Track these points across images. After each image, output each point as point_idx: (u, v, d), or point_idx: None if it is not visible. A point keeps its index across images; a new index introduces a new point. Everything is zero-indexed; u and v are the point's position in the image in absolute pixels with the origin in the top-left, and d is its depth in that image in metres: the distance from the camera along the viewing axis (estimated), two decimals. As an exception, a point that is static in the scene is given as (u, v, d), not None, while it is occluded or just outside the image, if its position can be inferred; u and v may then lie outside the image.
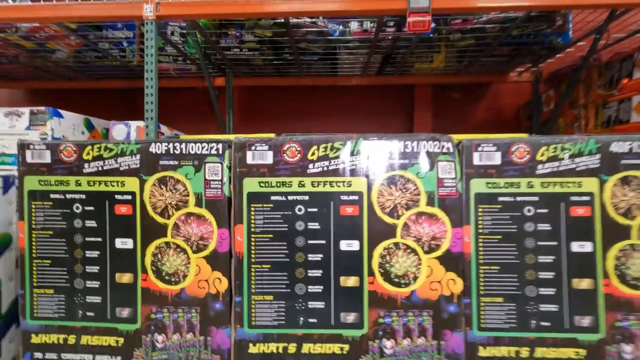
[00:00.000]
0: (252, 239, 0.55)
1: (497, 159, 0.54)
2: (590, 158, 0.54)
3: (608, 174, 0.54)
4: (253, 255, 0.55)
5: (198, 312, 0.55)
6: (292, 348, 0.55)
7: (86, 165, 0.56)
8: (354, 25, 1.32)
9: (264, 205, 0.55)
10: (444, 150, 0.54)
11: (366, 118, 2.00)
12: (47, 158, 0.57)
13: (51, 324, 0.57)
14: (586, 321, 0.53)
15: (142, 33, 1.54)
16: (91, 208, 0.56)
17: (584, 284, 0.53)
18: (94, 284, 0.56)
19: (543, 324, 0.54)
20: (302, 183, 0.55)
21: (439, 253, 0.54)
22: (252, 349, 0.55)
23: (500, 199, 0.54)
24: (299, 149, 0.55)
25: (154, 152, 0.55)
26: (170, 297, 0.56)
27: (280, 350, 0.55)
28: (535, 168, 0.54)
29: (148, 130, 1.06)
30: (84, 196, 0.56)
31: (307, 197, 0.55)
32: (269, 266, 0.55)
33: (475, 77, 1.84)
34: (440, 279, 0.54)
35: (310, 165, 0.55)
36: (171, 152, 0.55)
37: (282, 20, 1.18)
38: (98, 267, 0.56)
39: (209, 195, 0.55)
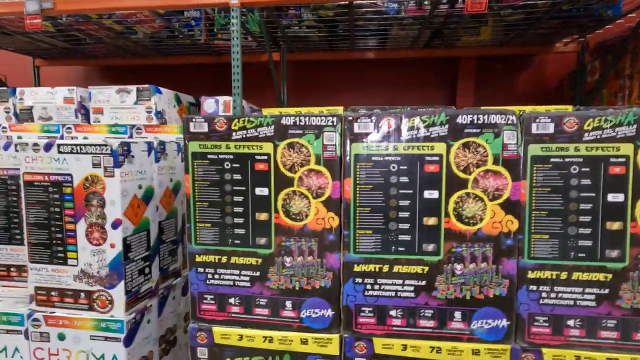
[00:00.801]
0: (357, 189, 0.74)
1: (551, 128, 0.69)
2: (628, 127, 0.67)
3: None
4: (357, 201, 0.74)
5: (316, 242, 0.76)
6: (385, 268, 0.75)
7: (234, 133, 0.76)
8: (409, 3, 1.42)
9: (367, 163, 0.73)
10: (509, 122, 0.69)
11: (411, 90, 2.11)
12: (204, 128, 0.77)
13: (209, 248, 0.79)
14: (614, 254, 0.70)
15: (208, 14, 1.71)
16: (237, 165, 0.77)
17: (615, 225, 0.69)
18: (240, 220, 0.78)
19: (580, 255, 0.70)
20: (396, 147, 0.72)
21: (500, 200, 0.71)
22: (356, 268, 0.75)
23: (552, 160, 0.70)
24: (393, 121, 0.72)
25: (284, 124, 0.74)
26: (295, 231, 0.76)
27: (377, 270, 0.75)
28: (582, 135, 0.69)
29: (235, 104, 1.25)
30: (232, 156, 0.77)
31: (399, 158, 0.73)
32: (369, 209, 0.74)
33: (521, 49, 1.90)
34: (501, 220, 0.71)
35: (404, 133, 0.72)
36: (297, 123, 0.74)
37: (347, 1, 1.30)
38: (242, 209, 0.77)
39: (326, 156, 0.74)
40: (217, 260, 0.80)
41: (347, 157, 0.74)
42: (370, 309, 0.76)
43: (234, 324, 0.81)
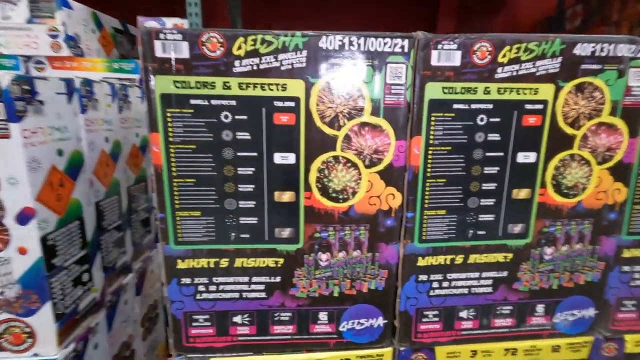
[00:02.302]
0: (429, 152, 0.50)
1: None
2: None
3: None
4: (429, 170, 0.51)
5: (367, 230, 0.52)
6: (459, 259, 0.55)
7: (237, 62, 0.45)
8: None
9: (446, 114, 0.49)
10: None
11: (387, 26, 1.85)
12: (184, 52, 0.44)
13: (199, 248, 0.51)
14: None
15: None
16: (243, 117, 0.47)
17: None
18: (249, 203, 0.50)
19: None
20: (488, 89, 0.49)
21: (611, 164, 0.54)
22: (421, 262, 0.54)
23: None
24: (490, 48, 0.48)
25: (323, 48, 0.45)
26: (336, 216, 0.51)
27: (448, 262, 0.55)
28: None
29: (192, 21, 0.88)
30: (234, 102, 0.46)
31: (490, 106, 0.50)
32: (444, 180, 0.52)
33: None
34: (607, 189, 0.55)
35: (501, 69, 0.49)
36: (347, 47, 0.46)
37: None
38: (253, 186, 0.49)
39: (388, 102, 0.48)
40: (213, 265, 0.52)
41: (417, 105, 0.49)
42: (436, 312, 0.57)
43: (242, 349, 0.56)
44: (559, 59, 0.49)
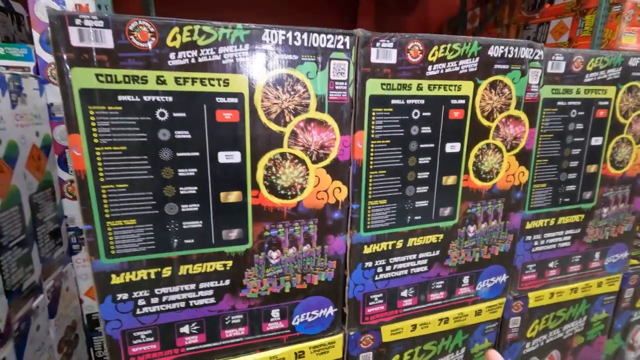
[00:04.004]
0: (372, 146, 0.53)
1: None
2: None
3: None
4: (372, 162, 0.53)
5: (315, 224, 0.53)
6: (399, 244, 0.59)
7: (172, 55, 0.41)
8: None
9: (385, 109, 0.52)
10: (536, 57, 0.59)
11: (308, 24, 1.85)
12: (107, 41, 0.39)
13: (135, 259, 0.46)
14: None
15: None
16: (182, 114, 0.43)
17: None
18: (192, 206, 0.47)
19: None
20: (420, 86, 0.53)
21: (516, 151, 0.63)
22: (366, 250, 0.57)
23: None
24: (421, 48, 0.51)
25: (267, 42, 0.44)
26: (285, 213, 0.51)
27: (390, 247, 0.59)
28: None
29: (100, 3, 0.78)
30: (170, 98, 0.42)
31: (422, 101, 0.54)
32: (384, 172, 0.55)
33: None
34: (514, 172, 0.64)
35: (431, 67, 0.53)
36: (290, 42, 0.45)
37: None
38: (196, 188, 0.46)
39: (332, 98, 0.49)
40: (154, 276, 0.48)
41: (359, 100, 0.50)
42: (380, 295, 0.60)
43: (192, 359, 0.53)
44: (477, 59, 0.55)
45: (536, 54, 0.59)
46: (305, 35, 0.45)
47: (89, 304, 0.96)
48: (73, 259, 0.92)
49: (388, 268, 0.59)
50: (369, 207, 0.55)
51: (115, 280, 0.46)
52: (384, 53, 0.50)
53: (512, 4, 1.70)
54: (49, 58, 0.81)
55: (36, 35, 0.79)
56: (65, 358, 0.85)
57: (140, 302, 0.48)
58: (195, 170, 0.46)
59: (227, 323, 0.53)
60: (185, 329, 0.51)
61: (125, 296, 0.47)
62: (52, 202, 0.83)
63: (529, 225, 0.69)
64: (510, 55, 0.57)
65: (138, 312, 0.48)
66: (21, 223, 0.68)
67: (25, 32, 1.09)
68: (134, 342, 0.49)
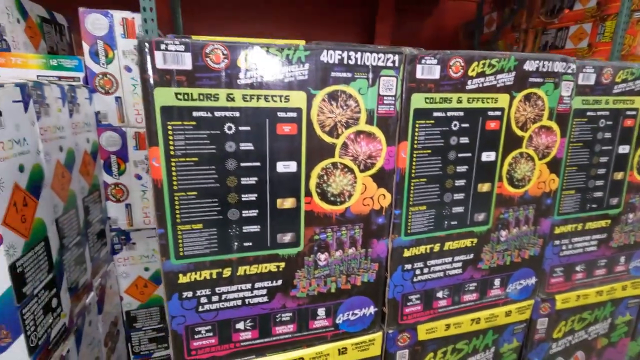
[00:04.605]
0: (414, 155, 0.56)
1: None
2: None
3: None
4: (414, 171, 0.57)
5: (361, 228, 0.57)
6: (436, 247, 0.62)
7: (241, 74, 0.45)
8: None
9: (427, 121, 0.56)
10: (569, 71, 0.62)
11: (326, 26, 1.89)
12: (186, 63, 0.43)
13: (201, 260, 0.50)
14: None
15: None
16: (247, 128, 0.47)
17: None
18: (251, 212, 0.51)
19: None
20: (460, 99, 0.56)
21: (548, 159, 0.66)
22: (406, 253, 0.61)
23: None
24: (463, 63, 0.55)
25: (325, 61, 0.48)
26: (334, 218, 0.55)
27: (428, 251, 0.62)
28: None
29: (147, 27, 0.83)
30: (237, 114, 0.46)
31: (462, 114, 0.57)
32: (425, 180, 0.58)
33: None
34: (545, 179, 0.67)
35: (470, 81, 0.56)
36: (345, 62, 0.49)
37: None
38: (256, 195, 0.50)
39: (381, 112, 0.52)
40: (215, 276, 0.52)
41: (404, 113, 0.54)
42: (418, 295, 0.64)
43: (245, 354, 0.57)
44: (513, 73, 0.58)
45: (569, 67, 0.62)
46: (358, 55, 0.49)
47: (128, 301, 1.02)
48: (114, 258, 0.97)
49: (425, 270, 0.63)
50: (410, 213, 0.59)
51: (182, 279, 0.50)
52: (428, 69, 0.53)
53: (530, 9, 1.72)
54: (97, 68, 0.86)
55: (86, 47, 0.84)
56: (110, 352, 0.90)
57: (203, 299, 0.52)
58: (256, 178, 0.50)
59: (277, 320, 0.57)
60: (240, 325, 0.55)
61: (190, 294, 0.51)
62: (98, 204, 0.88)
63: (557, 230, 0.72)
64: (544, 69, 0.60)
65: (200, 309, 0.52)
66: (77, 225, 0.73)
67: (66, 42, 1.14)
68: (196, 336, 0.53)
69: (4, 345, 0.50)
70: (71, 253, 0.70)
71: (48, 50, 1.03)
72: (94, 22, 0.84)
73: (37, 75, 0.82)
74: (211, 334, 0.54)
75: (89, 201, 0.82)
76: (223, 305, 0.53)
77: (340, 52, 0.48)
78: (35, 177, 0.55)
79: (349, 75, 0.49)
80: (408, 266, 0.61)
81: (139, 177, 0.94)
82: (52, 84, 0.66)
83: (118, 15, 0.85)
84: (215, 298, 0.53)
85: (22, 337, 0.51)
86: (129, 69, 0.88)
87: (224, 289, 0.53)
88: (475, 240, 0.65)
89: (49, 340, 0.57)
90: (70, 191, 0.71)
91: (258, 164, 0.49)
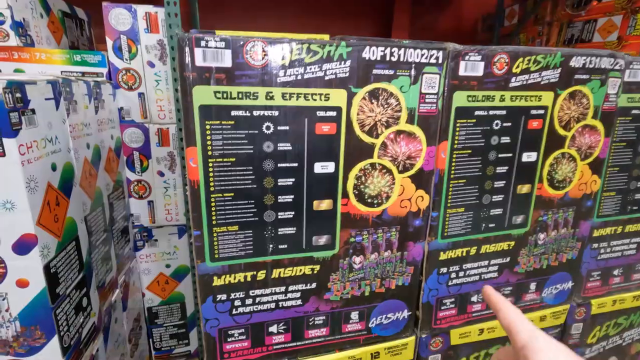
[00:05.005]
0: (454, 156, 0.54)
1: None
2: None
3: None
4: (453, 172, 0.55)
5: (397, 231, 0.55)
6: (473, 250, 0.60)
7: (281, 72, 0.43)
8: None
9: (468, 120, 0.53)
10: (616, 67, 0.59)
11: (340, 21, 1.86)
12: (226, 60, 0.41)
13: (236, 263, 0.49)
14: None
15: None
16: (285, 127, 0.46)
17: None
18: (287, 214, 0.49)
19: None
20: (503, 97, 0.54)
21: (590, 160, 0.63)
22: (442, 256, 0.59)
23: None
24: (507, 60, 0.52)
25: (367, 58, 0.46)
26: (371, 220, 0.53)
27: (464, 254, 0.60)
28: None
29: (170, 21, 0.82)
30: (276, 113, 0.45)
31: (504, 112, 0.55)
32: (464, 181, 0.56)
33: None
34: (587, 181, 0.64)
35: (514, 79, 0.53)
36: (387, 58, 0.46)
37: None
38: (293, 195, 0.49)
39: (422, 111, 0.50)
40: (250, 279, 0.51)
41: (445, 112, 0.52)
42: (452, 299, 0.62)
43: (277, 357, 0.56)
44: (559, 70, 0.55)
45: (617, 63, 0.58)
46: (401, 51, 0.47)
47: (149, 297, 1.02)
48: (136, 255, 0.97)
49: (461, 274, 0.61)
50: (447, 215, 0.57)
51: (217, 282, 0.49)
52: (471, 66, 0.51)
53: (555, 1, 1.66)
54: (120, 64, 0.85)
55: (109, 42, 0.83)
56: (134, 348, 0.90)
57: (237, 302, 0.51)
58: (293, 179, 0.48)
59: (310, 324, 0.56)
60: (273, 329, 0.54)
61: (224, 297, 0.50)
62: (122, 201, 0.87)
63: (596, 233, 0.70)
64: (591, 66, 0.57)
65: (234, 312, 0.51)
66: (104, 222, 0.73)
67: (87, 37, 1.14)
68: (229, 339, 0.52)
69: (38, 346, 0.50)
70: (98, 251, 0.69)
71: (69, 46, 1.02)
72: (117, 16, 0.82)
73: (61, 71, 0.81)
74: (244, 337, 0.53)
75: (113, 198, 0.81)
76: (257, 308, 0.52)
77: (382, 48, 0.46)
78: (66, 176, 0.54)
79: (391, 72, 0.47)
80: (444, 269, 0.59)
81: (161, 174, 0.93)
82: (79, 80, 0.65)
83: (141, 9, 0.83)
84: (249, 301, 0.52)
85: (55, 338, 0.50)
86: (151, 65, 0.87)
87: (258, 291, 0.52)
88: (512, 243, 0.63)
89: (80, 339, 0.57)
90: (97, 188, 0.70)
91: (295, 164, 0.47)
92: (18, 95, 0.43)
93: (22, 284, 0.47)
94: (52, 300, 0.49)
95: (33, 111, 0.46)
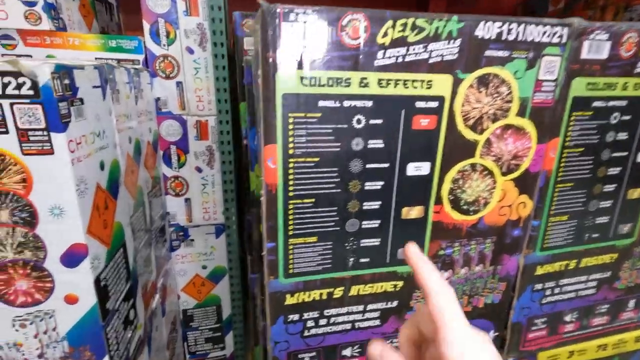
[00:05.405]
0: (564, 155, 0.46)
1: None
2: None
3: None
4: (560, 173, 0.47)
5: (492, 242, 0.47)
6: (572, 264, 0.52)
7: (380, 53, 0.35)
8: None
9: (584, 113, 0.45)
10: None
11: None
12: (324, 40, 0.33)
13: (313, 279, 0.42)
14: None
15: None
16: (378, 121, 0.38)
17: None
18: (372, 223, 0.42)
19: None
20: (626, 85, 0.45)
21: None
22: (539, 271, 0.51)
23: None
24: (636, 39, 0.43)
25: (479, 37, 0.37)
26: (464, 230, 0.45)
27: (563, 268, 0.52)
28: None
29: (212, 1, 0.74)
30: (370, 103, 0.37)
31: (624, 103, 0.46)
32: (571, 184, 0.48)
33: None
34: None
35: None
36: (503, 37, 0.38)
37: None
38: (380, 202, 0.41)
39: (537, 101, 0.42)
40: (325, 297, 0.44)
41: (561, 103, 0.43)
42: (544, 319, 0.54)
43: (349, 384, 0.49)
44: (693, 52, 0.46)
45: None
46: (520, 28, 0.38)
47: (184, 300, 0.96)
48: (172, 255, 0.91)
49: (557, 290, 0.53)
50: (549, 224, 0.48)
51: (289, 300, 0.42)
52: (596, 47, 0.42)
53: (611, -18, 1.52)
54: (157, 50, 0.78)
55: (146, 27, 0.77)
56: (171, 354, 0.85)
57: (309, 323, 0.44)
58: (382, 183, 0.40)
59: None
60: (347, 352, 0.47)
61: (296, 317, 0.43)
62: (159, 199, 0.81)
63: None
64: None
65: (306, 333, 0.45)
66: (144, 223, 0.67)
67: (115, 23, 1.07)
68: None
69: (88, 367, 0.44)
70: (140, 255, 0.63)
71: (100, 31, 0.96)
72: (155, -2, 0.75)
73: (95, 58, 0.75)
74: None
75: (152, 196, 0.75)
76: (331, 329, 0.45)
77: (500, 24, 0.37)
78: (113, 175, 0.48)
79: (506, 54, 0.39)
80: (538, 286, 0.51)
81: (199, 170, 0.86)
82: (121, 66, 0.58)
83: (181, -11, 0.76)
84: (323, 321, 0.45)
85: (106, 359, 0.44)
86: (190, 51, 0.80)
87: (333, 311, 0.45)
88: (615, 255, 0.54)
89: (128, 356, 0.51)
90: (138, 187, 0.64)
91: (386, 165, 0.40)
92: (66, 81, 0.37)
93: (71, 300, 0.41)
94: (102, 317, 0.43)
95: (81, 101, 0.40)
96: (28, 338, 0.40)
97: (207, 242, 0.93)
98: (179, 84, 0.81)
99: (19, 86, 0.33)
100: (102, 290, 0.43)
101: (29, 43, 0.72)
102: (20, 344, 0.40)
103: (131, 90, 0.63)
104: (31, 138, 0.34)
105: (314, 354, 0.46)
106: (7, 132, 0.34)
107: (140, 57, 0.78)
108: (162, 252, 0.82)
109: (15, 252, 0.37)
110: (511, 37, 0.38)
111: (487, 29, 0.37)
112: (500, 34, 0.38)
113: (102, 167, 0.44)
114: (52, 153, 0.35)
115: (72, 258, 0.39)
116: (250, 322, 1.01)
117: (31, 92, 0.33)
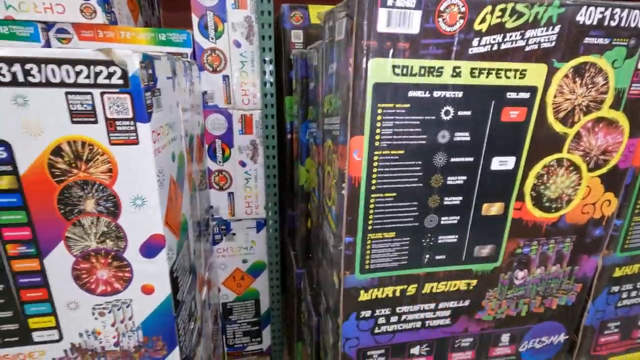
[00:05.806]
0: (654, 150, 0.43)
1: None
2: None
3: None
4: (649, 170, 0.44)
5: (571, 242, 0.45)
6: (652, 266, 0.49)
7: (475, 41, 0.34)
8: None
9: (680, 105, 0.42)
10: None
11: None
12: (413, 25, 0.32)
13: (387, 275, 0.41)
14: None
15: None
16: (467, 113, 0.36)
17: None
18: (452, 218, 0.40)
19: None
20: None
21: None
22: (617, 273, 0.48)
23: None
24: None
25: (580, 23, 0.35)
26: (544, 228, 0.43)
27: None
28: None
29: (263, -7, 0.73)
30: (459, 94, 0.35)
31: None
32: (659, 181, 0.45)
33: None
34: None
35: None
36: (605, 23, 0.36)
37: None
38: (461, 196, 0.40)
39: (634, 92, 0.39)
40: (399, 294, 0.43)
41: (656, 94, 0.41)
42: (618, 323, 0.52)
43: (416, 383, 0.48)
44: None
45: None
46: (624, 13, 0.36)
47: (224, 293, 0.97)
48: (214, 249, 0.92)
49: (633, 294, 0.50)
50: (632, 224, 0.46)
51: (363, 296, 0.41)
52: (699, 34, 0.39)
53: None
54: (206, 44, 0.78)
55: (195, 20, 0.76)
56: (214, 346, 0.86)
57: (381, 320, 0.43)
58: (464, 178, 0.39)
59: (456, 346, 0.47)
60: (415, 350, 0.46)
61: (368, 314, 0.43)
62: (205, 192, 0.82)
63: None
64: None
65: (376, 330, 0.44)
66: (197, 216, 0.67)
67: (157, 18, 1.08)
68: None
69: (159, 357, 0.44)
70: (196, 248, 0.64)
71: (144, 25, 0.97)
72: (205, -10, 0.75)
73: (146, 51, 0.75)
74: (383, 358, 0.45)
75: (201, 189, 0.76)
76: (401, 327, 0.44)
77: (602, 9, 0.35)
78: (181, 167, 0.48)
79: (606, 41, 0.36)
80: (615, 288, 0.49)
81: (243, 164, 0.86)
82: (180, 59, 0.58)
83: (227, -22, 0.75)
84: (394, 319, 0.44)
85: (176, 350, 0.44)
86: (238, 44, 0.80)
87: (405, 308, 0.43)
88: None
89: (191, 348, 0.52)
90: (192, 180, 0.64)
91: (471, 159, 0.38)
92: (150, 71, 0.37)
93: (147, 290, 0.41)
94: (175, 308, 0.43)
95: (160, 92, 0.40)
96: (106, 326, 0.41)
97: (248, 237, 0.93)
98: (225, 77, 0.81)
99: (109, 75, 0.33)
100: (174, 282, 0.43)
101: (83, 37, 0.73)
102: (98, 332, 0.41)
103: (186, 82, 0.62)
104: (118, 128, 0.34)
105: (382, 351, 0.45)
106: (96, 122, 0.34)
107: (189, 51, 0.78)
108: (207, 245, 0.83)
109: (98, 241, 0.37)
110: (613, 23, 0.36)
111: (588, 14, 0.35)
112: (602, 20, 0.35)
113: (173, 159, 0.44)
114: (137, 143, 0.35)
115: (150, 249, 0.39)
116: (289, 318, 1.01)
117: (121, 82, 0.33)
